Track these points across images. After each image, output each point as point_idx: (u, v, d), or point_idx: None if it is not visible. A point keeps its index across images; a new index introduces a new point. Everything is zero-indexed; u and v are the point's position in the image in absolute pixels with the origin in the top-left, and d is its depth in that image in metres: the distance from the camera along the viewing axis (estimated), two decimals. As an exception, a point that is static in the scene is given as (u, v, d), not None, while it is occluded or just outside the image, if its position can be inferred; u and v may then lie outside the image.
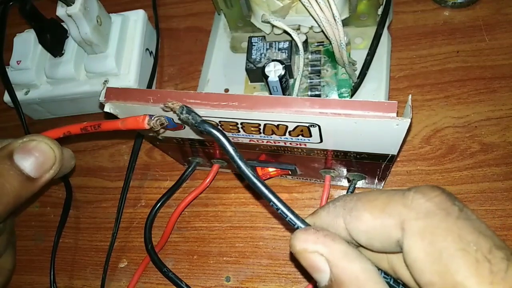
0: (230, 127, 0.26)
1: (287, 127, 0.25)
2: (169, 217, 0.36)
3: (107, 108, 0.26)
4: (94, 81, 0.40)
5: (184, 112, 0.22)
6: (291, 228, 0.35)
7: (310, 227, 0.18)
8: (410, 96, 0.21)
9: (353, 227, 0.18)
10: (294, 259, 0.23)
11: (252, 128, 0.26)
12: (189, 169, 0.36)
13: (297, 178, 0.36)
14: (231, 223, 0.37)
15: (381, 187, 0.34)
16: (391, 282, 0.20)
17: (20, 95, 0.42)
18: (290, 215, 0.19)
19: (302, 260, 0.18)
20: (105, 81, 0.40)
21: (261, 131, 0.26)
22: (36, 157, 0.23)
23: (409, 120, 0.21)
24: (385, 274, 0.20)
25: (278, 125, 0.25)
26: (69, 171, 0.27)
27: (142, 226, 0.38)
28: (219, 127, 0.21)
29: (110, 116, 0.27)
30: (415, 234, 0.16)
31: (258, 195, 0.37)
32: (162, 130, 0.29)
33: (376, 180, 0.33)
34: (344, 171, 0.32)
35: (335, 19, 0.31)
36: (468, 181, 0.34)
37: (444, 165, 0.35)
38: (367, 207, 0.18)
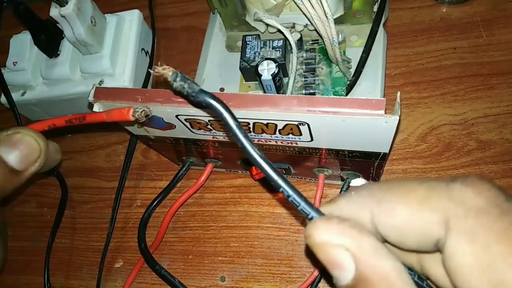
0: (220, 126, 0.26)
1: (276, 125, 0.25)
2: (163, 217, 0.36)
3: (96, 108, 0.26)
4: (90, 81, 0.40)
5: (178, 79, 0.18)
6: (286, 227, 0.35)
7: (333, 216, 0.16)
8: (398, 93, 0.21)
9: (382, 221, 0.16)
10: (310, 254, 0.20)
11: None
12: (183, 169, 0.36)
13: (291, 177, 0.36)
14: (226, 223, 0.37)
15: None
16: (415, 279, 0.17)
17: (16, 96, 0.42)
18: (303, 204, 0.16)
19: (321, 254, 0.15)
20: (101, 81, 0.40)
21: (251, 129, 0.26)
22: (21, 150, 0.23)
23: (398, 117, 0.21)
24: (409, 269, 0.18)
25: (268, 123, 0.24)
26: (55, 164, 0.27)
27: (137, 226, 0.38)
28: (219, 99, 0.18)
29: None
30: (463, 235, 0.14)
31: (254, 192, 0.37)
32: (153, 129, 0.29)
33: (370, 179, 0.32)
34: (338, 170, 0.31)
35: (326, 17, 0.30)
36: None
37: (441, 163, 0.34)
38: (403, 198, 0.15)
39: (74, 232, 0.40)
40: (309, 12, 0.31)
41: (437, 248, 0.15)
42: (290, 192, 0.16)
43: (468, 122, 0.35)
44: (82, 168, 0.43)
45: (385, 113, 0.21)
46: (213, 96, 0.18)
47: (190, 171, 0.39)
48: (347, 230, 0.15)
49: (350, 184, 0.32)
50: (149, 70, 0.17)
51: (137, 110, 0.23)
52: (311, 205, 0.16)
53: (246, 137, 0.17)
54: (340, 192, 0.33)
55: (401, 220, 0.15)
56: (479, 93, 0.35)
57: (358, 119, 0.22)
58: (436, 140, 0.35)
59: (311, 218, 0.16)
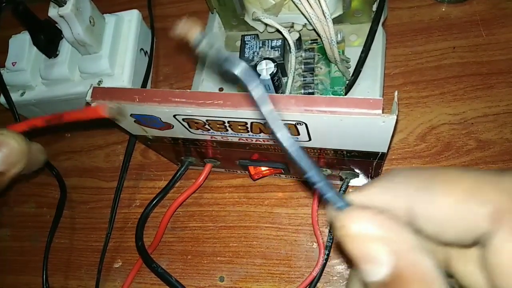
0: (218, 125, 0.26)
1: (274, 125, 0.24)
2: (162, 216, 0.36)
3: (93, 108, 0.26)
4: (88, 81, 0.40)
5: (203, 39, 0.15)
6: (285, 227, 0.35)
7: (367, 206, 0.14)
8: (396, 93, 0.21)
9: (422, 212, 0.14)
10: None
11: (239, 127, 0.26)
12: (182, 169, 0.36)
13: (291, 177, 0.36)
14: (225, 223, 0.37)
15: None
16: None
17: (15, 96, 0.42)
18: (331, 191, 0.15)
19: (353, 246, 0.14)
20: (99, 81, 0.40)
21: (249, 129, 0.26)
22: (2, 152, 0.23)
23: (395, 117, 0.21)
24: None
25: (265, 123, 0.24)
26: (40, 166, 0.26)
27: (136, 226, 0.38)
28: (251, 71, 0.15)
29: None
30: None
31: (253, 192, 0.37)
32: (151, 129, 0.29)
33: (370, 179, 0.32)
34: (336, 169, 0.31)
35: (325, 16, 0.30)
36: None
37: (440, 162, 0.34)
38: (446, 188, 0.14)
39: (73, 232, 0.40)
40: (307, 11, 0.31)
41: (476, 243, 0.14)
42: (316, 177, 0.15)
43: (467, 122, 0.35)
44: (81, 168, 0.43)
45: (383, 112, 0.21)
46: (244, 67, 0.15)
47: (189, 171, 0.38)
48: (386, 222, 0.14)
49: (349, 184, 0.32)
50: (175, 26, 0.13)
51: (112, 107, 0.24)
52: (339, 194, 0.15)
53: (276, 118, 0.15)
54: (339, 191, 0.32)
55: (444, 211, 0.14)
56: (478, 92, 0.35)
57: (355, 119, 0.22)
58: (435, 139, 0.35)
59: (340, 208, 0.15)
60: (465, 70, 0.36)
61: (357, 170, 0.31)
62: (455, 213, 0.14)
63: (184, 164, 0.36)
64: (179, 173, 0.36)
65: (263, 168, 0.33)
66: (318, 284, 0.32)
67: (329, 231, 0.32)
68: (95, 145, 0.44)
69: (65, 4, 0.36)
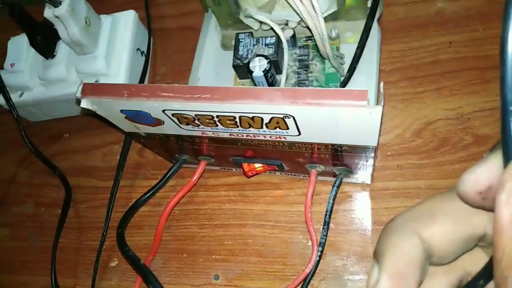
0: (207, 120, 0.26)
1: (262, 119, 0.24)
2: (159, 216, 0.36)
3: (83, 104, 0.26)
4: (85, 81, 0.41)
5: None
6: (280, 225, 0.35)
7: None
8: (381, 84, 0.21)
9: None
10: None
11: (228, 121, 0.26)
12: (175, 166, 0.36)
13: (285, 174, 0.36)
14: (220, 221, 0.37)
15: (369, 182, 0.33)
16: None
17: (14, 97, 0.43)
18: None
19: None
20: (96, 81, 0.40)
21: (238, 124, 0.26)
22: None
23: (381, 107, 0.20)
24: None
25: (253, 117, 0.24)
26: None
27: (133, 225, 0.38)
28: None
29: (89, 113, 0.27)
30: None
31: (248, 190, 0.37)
32: (142, 126, 0.29)
33: (363, 174, 0.32)
34: (330, 165, 0.31)
35: (315, 11, 0.30)
36: (461, 175, 0.32)
37: (436, 158, 0.34)
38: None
39: (70, 232, 0.41)
40: (297, 7, 0.31)
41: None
42: None
43: (464, 117, 0.34)
44: (78, 167, 0.43)
45: (369, 104, 0.21)
46: None
47: (185, 169, 0.38)
48: None
49: (343, 180, 0.32)
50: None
51: None
52: None
53: None
54: (332, 188, 0.32)
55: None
56: (475, 87, 0.35)
57: (341, 110, 0.21)
58: (431, 135, 0.34)
59: None
60: (462, 65, 0.36)
61: (350, 166, 0.30)
62: None
63: (178, 162, 0.36)
64: (171, 171, 0.36)
65: (257, 165, 0.33)
66: (314, 282, 0.32)
67: (323, 228, 0.32)
68: (92, 145, 0.44)
69: (60, 4, 0.36)
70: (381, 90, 0.21)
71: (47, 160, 0.43)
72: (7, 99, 0.42)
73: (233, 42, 0.41)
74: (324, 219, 0.32)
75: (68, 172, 0.43)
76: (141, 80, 0.43)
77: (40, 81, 0.42)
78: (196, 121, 0.26)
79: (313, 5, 0.30)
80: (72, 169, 0.43)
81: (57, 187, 0.43)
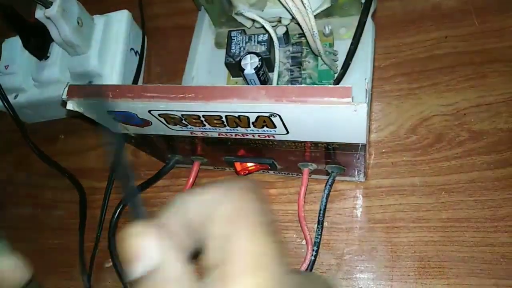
0: (194, 120, 0.26)
1: (248, 118, 0.24)
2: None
3: (69, 106, 0.26)
4: (79, 82, 0.41)
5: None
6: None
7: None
8: (366, 80, 0.21)
9: None
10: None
11: (215, 121, 0.25)
12: (167, 167, 0.36)
13: (279, 172, 0.35)
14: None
15: (363, 180, 0.33)
16: None
17: (9, 99, 0.43)
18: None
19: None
20: (90, 81, 0.40)
21: (225, 123, 0.25)
22: None
23: (365, 105, 0.20)
24: None
25: (239, 116, 0.24)
26: (20, 284, 0.20)
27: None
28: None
29: (76, 114, 0.27)
30: None
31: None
32: (131, 127, 0.29)
33: (356, 172, 0.31)
34: (322, 164, 0.31)
35: (305, 7, 0.30)
36: (457, 171, 0.32)
37: (431, 154, 0.33)
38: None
39: (66, 232, 0.40)
40: (287, 3, 0.30)
41: None
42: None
43: (460, 112, 0.34)
44: (73, 169, 0.43)
45: (353, 101, 0.20)
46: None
47: (180, 169, 0.38)
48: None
49: (335, 178, 0.31)
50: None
51: None
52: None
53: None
54: (325, 186, 0.32)
55: None
56: (471, 82, 0.34)
57: (326, 108, 0.21)
58: (426, 131, 0.34)
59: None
60: (458, 59, 0.35)
61: (342, 164, 0.30)
62: None
63: (170, 162, 0.36)
64: (164, 170, 0.36)
65: (249, 164, 0.33)
66: (308, 282, 0.32)
67: (317, 227, 0.31)
68: (87, 146, 0.44)
69: (51, 5, 0.36)
70: (366, 86, 0.20)
71: (53, 162, 0.43)
72: (5, 100, 0.42)
73: (226, 40, 0.41)
74: (318, 218, 0.32)
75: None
76: (135, 80, 0.42)
77: (34, 82, 0.42)
78: (184, 121, 0.26)
79: (302, 1, 0.29)
80: (68, 170, 0.43)
81: (56, 188, 0.43)
